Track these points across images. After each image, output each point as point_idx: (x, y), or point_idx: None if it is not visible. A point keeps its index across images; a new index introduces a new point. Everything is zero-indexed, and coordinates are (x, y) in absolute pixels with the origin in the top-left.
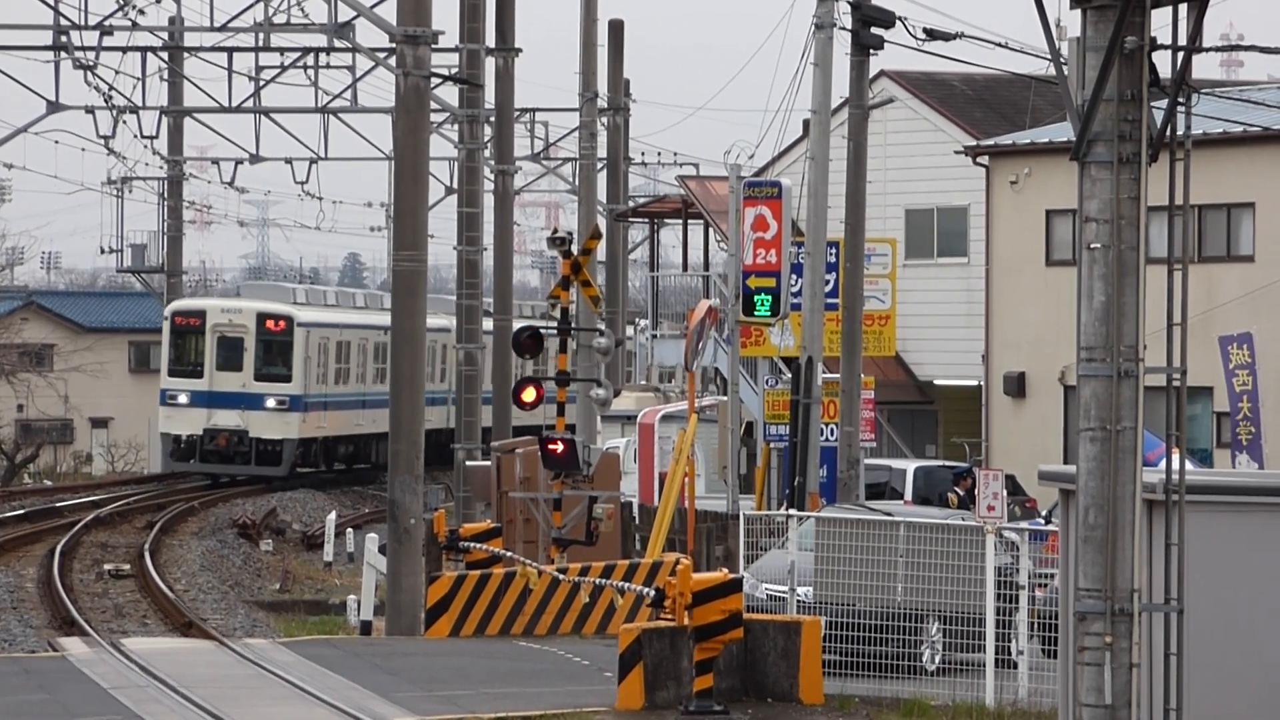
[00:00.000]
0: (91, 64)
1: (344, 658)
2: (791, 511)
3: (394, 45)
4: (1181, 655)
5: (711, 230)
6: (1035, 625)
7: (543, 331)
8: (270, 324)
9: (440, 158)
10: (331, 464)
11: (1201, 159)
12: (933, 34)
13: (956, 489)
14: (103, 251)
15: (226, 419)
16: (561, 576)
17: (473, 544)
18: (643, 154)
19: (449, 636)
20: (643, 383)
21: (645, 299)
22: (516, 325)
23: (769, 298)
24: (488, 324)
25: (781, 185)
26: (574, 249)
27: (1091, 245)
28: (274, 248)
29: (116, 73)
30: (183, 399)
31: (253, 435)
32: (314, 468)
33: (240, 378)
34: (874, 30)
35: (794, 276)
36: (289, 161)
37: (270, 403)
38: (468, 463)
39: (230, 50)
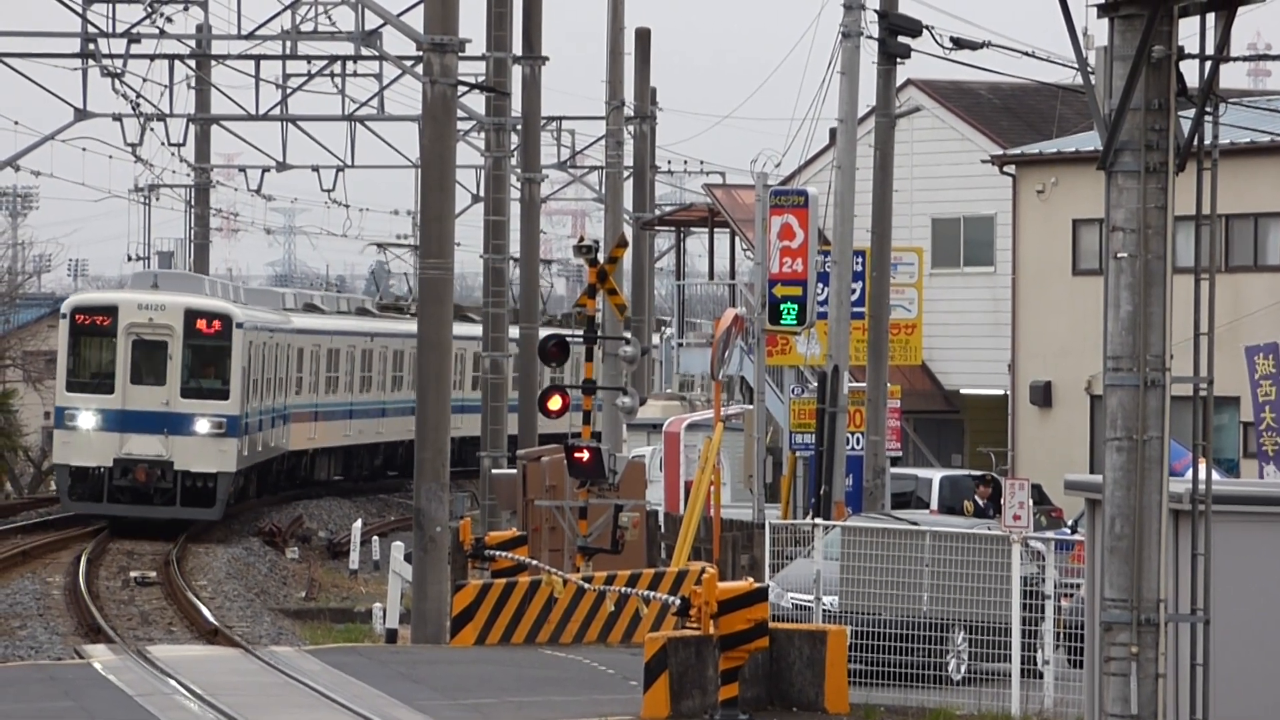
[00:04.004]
0: (119, 71)
1: (369, 666)
2: (817, 520)
3: (421, 53)
4: (1208, 665)
5: (738, 239)
6: (1061, 635)
7: (569, 340)
8: (202, 324)
9: (467, 166)
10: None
11: (1229, 168)
12: (960, 43)
13: (976, 496)
14: (130, 259)
15: (144, 446)
16: (587, 585)
17: (498, 552)
18: (669, 162)
19: (474, 645)
20: (669, 391)
21: (671, 307)
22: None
23: (795, 306)
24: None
25: (808, 194)
26: (600, 257)
27: (1118, 255)
28: (300, 255)
29: (144, 80)
30: (86, 420)
31: (178, 468)
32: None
33: (162, 393)
34: (901, 39)
35: (820, 285)
36: (316, 169)
37: (202, 425)
38: (493, 471)
39: (257, 58)
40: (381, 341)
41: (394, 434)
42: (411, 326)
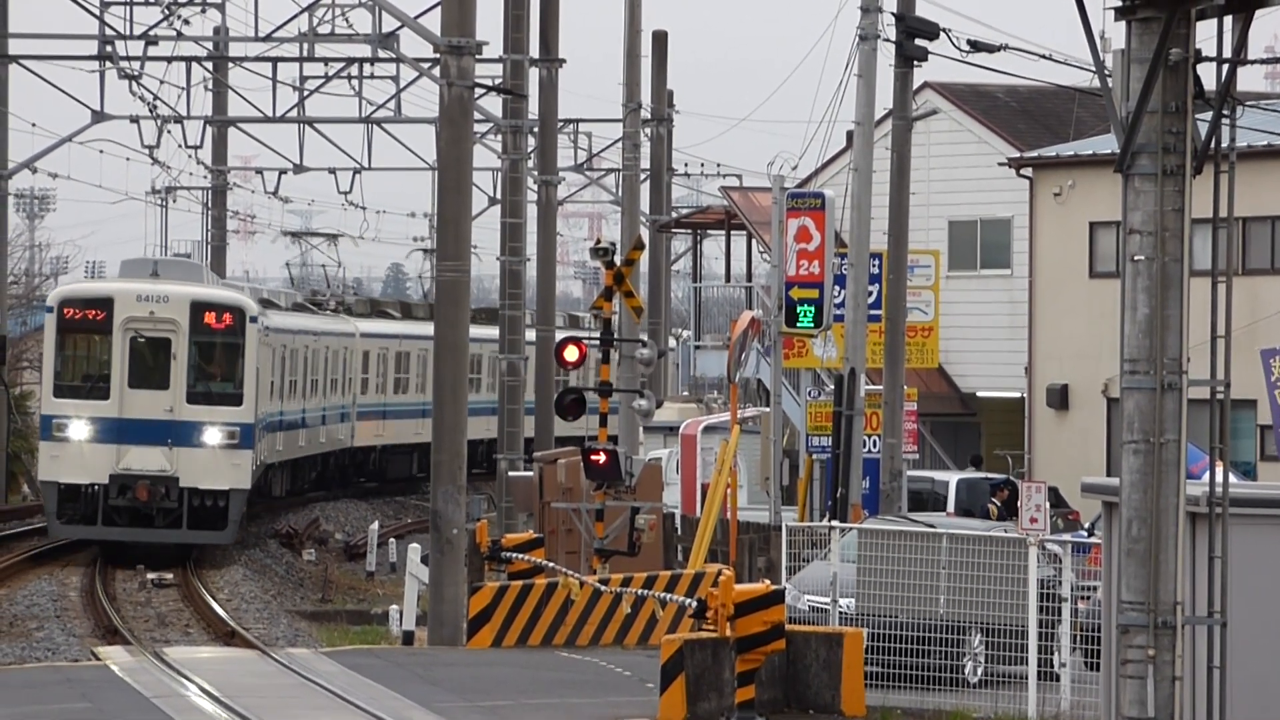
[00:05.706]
0: (136, 74)
1: (386, 668)
2: (834, 523)
3: (438, 56)
4: (1225, 668)
5: (754, 241)
6: (1078, 638)
7: (585, 342)
8: (210, 318)
9: (483, 168)
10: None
11: (1246, 171)
12: (977, 46)
13: (994, 500)
14: None
15: (145, 460)
16: (603, 587)
17: (515, 554)
18: (686, 165)
19: (491, 647)
20: (685, 394)
21: (688, 310)
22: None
23: (812, 309)
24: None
25: (825, 196)
26: (617, 260)
27: (1135, 257)
28: (317, 258)
29: (161, 82)
30: (78, 431)
31: (184, 484)
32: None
33: (165, 398)
34: (918, 42)
35: (837, 288)
36: (333, 171)
37: (212, 435)
38: (510, 473)
39: (274, 60)
40: (325, 341)
41: (332, 443)
42: (339, 324)
